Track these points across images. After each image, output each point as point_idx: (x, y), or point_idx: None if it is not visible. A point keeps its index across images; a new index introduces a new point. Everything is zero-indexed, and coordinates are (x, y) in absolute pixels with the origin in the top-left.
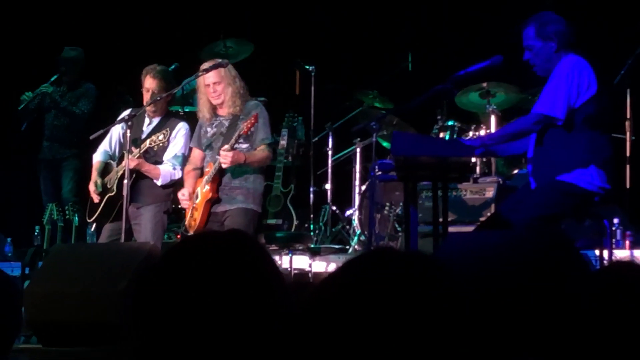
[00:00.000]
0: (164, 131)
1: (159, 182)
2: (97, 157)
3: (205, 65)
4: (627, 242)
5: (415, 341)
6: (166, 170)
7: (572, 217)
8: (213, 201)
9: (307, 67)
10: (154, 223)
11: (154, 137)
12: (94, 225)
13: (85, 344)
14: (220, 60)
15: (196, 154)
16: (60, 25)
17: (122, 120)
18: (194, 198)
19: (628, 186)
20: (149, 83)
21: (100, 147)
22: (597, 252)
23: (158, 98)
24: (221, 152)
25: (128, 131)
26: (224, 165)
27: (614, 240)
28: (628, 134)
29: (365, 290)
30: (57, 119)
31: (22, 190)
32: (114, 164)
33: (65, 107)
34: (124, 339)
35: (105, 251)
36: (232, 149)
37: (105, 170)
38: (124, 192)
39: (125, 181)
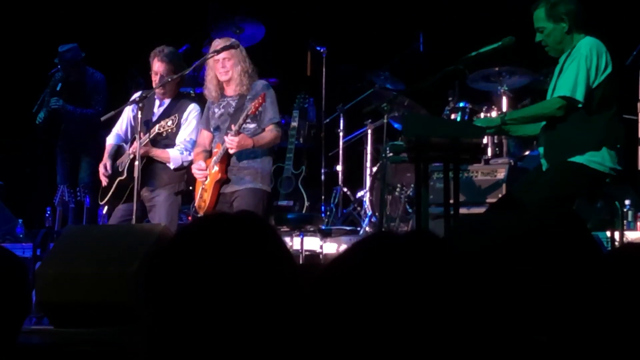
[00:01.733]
0: (172, 117)
1: (171, 166)
2: (110, 140)
3: (217, 42)
4: (639, 224)
5: (420, 322)
6: (176, 155)
7: (583, 198)
8: (222, 182)
9: (318, 48)
10: (167, 205)
11: (162, 123)
12: (106, 207)
13: (97, 325)
14: (232, 40)
15: (205, 135)
16: (72, 5)
17: (133, 101)
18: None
19: None
20: (157, 66)
21: (113, 130)
22: (608, 233)
23: (169, 79)
24: (226, 138)
25: (139, 113)
26: (230, 151)
27: (625, 221)
28: None
29: (370, 273)
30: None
31: (33, 171)
32: (126, 146)
33: (81, 113)
34: (135, 320)
35: (117, 233)
36: (239, 132)
37: (117, 153)
38: (135, 174)
39: (137, 163)
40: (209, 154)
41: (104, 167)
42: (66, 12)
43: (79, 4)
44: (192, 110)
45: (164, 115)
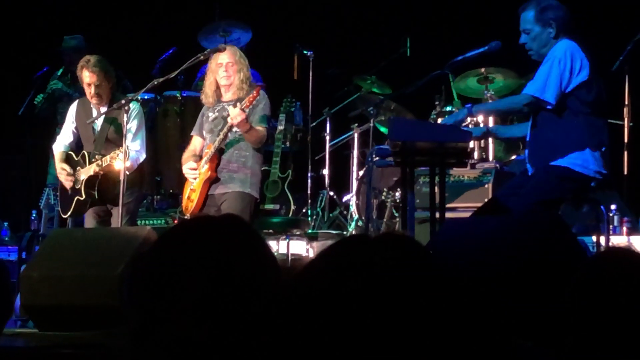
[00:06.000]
0: (117, 152)
1: (128, 171)
2: (59, 148)
3: (222, 45)
4: (624, 229)
5: (395, 325)
6: (130, 161)
7: (569, 203)
8: (212, 181)
9: (305, 52)
10: (128, 216)
11: (113, 155)
12: (69, 219)
13: (82, 328)
14: (222, 45)
15: (197, 142)
16: (58, 11)
17: (113, 109)
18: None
19: (626, 172)
20: (89, 77)
21: (59, 139)
22: (594, 238)
23: (156, 82)
24: (231, 110)
25: (124, 116)
26: (234, 122)
27: (611, 226)
28: (626, 120)
29: (343, 277)
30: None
31: (19, 174)
32: (74, 157)
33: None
34: (120, 323)
35: (102, 235)
36: (243, 111)
37: (67, 160)
38: (121, 177)
39: (123, 166)
40: (198, 158)
41: (64, 170)
42: (52, 18)
43: (64, 9)
44: (132, 110)
45: (107, 121)
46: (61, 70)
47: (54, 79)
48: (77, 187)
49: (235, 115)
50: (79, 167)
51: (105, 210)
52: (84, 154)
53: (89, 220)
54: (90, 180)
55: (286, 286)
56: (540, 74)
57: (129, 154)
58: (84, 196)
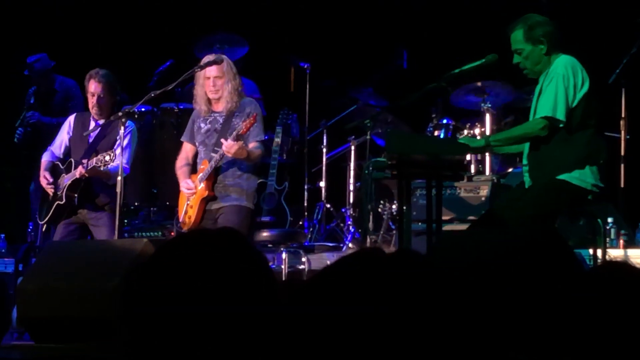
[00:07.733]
0: (109, 152)
1: (110, 182)
2: (45, 157)
3: (207, 57)
4: (621, 242)
5: (404, 339)
6: (115, 170)
7: (566, 216)
8: (208, 199)
9: (302, 64)
10: (111, 224)
11: (100, 157)
12: (45, 226)
13: (78, 340)
14: (217, 56)
15: (188, 148)
16: (55, 22)
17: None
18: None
19: (622, 185)
20: (94, 87)
21: (49, 149)
22: (590, 251)
23: (152, 94)
24: (224, 142)
25: (121, 131)
26: (229, 154)
27: (607, 239)
28: (623, 133)
29: (355, 289)
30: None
31: (15, 186)
32: (61, 166)
33: (58, 122)
34: (117, 335)
35: (98, 248)
36: (238, 140)
37: (53, 170)
38: (118, 188)
39: (119, 179)
40: (191, 167)
41: (45, 178)
42: (49, 25)
43: (61, 20)
44: (128, 126)
45: (100, 135)
46: (33, 99)
47: (28, 108)
48: (58, 193)
49: (228, 148)
50: (63, 174)
51: (80, 228)
52: (70, 162)
53: (60, 232)
54: (74, 184)
55: (297, 294)
56: (549, 94)
57: (111, 163)
58: (64, 200)
